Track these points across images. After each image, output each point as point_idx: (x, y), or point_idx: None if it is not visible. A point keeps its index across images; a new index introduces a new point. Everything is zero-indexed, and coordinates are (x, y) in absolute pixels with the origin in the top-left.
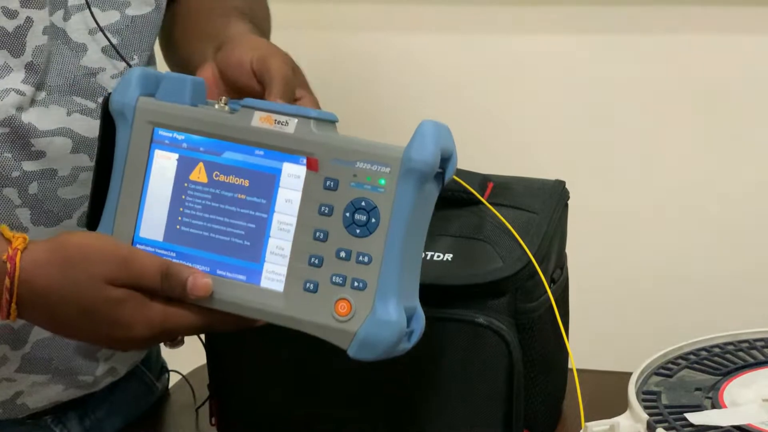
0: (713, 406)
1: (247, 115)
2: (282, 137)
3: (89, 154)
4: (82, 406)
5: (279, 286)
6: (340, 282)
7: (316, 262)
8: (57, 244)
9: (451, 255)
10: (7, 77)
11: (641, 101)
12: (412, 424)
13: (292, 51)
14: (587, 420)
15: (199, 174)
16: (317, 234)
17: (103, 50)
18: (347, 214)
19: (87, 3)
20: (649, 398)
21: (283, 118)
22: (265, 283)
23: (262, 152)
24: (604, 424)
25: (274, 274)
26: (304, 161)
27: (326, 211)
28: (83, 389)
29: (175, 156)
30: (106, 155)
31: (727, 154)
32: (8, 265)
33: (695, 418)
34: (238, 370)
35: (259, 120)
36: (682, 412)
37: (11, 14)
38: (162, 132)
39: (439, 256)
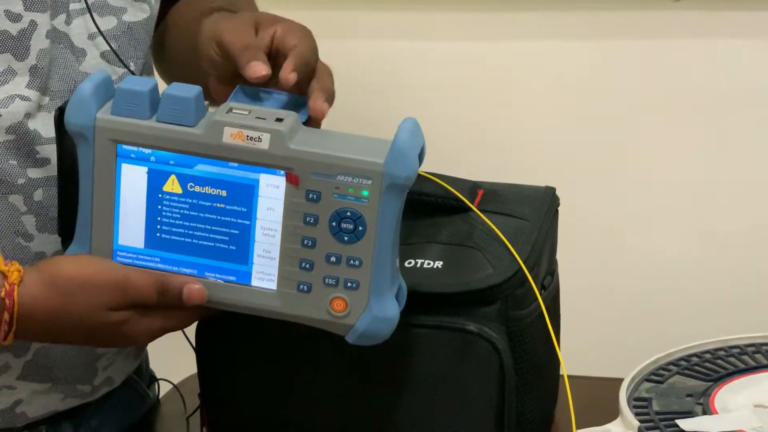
0: (704, 412)
1: (216, 131)
2: (256, 153)
3: None
4: (78, 416)
5: (271, 285)
6: (333, 283)
7: (307, 266)
8: (51, 276)
9: (441, 262)
10: (12, 81)
11: (633, 108)
12: None
13: None
14: (578, 427)
15: (172, 185)
16: (305, 241)
17: (102, 56)
18: (333, 224)
19: (88, 7)
20: (640, 405)
21: (255, 134)
22: (256, 282)
23: (236, 164)
24: (596, 430)
25: (264, 274)
26: (282, 173)
27: (311, 221)
28: (81, 398)
29: (144, 169)
30: (68, 165)
31: (717, 161)
32: (7, 301)
33: (686, 424)
34: (228, 380)
35: (230, 136)
36: (673, 419)
37: (15, 18)
38: (127, 147)
39: (429, 264)
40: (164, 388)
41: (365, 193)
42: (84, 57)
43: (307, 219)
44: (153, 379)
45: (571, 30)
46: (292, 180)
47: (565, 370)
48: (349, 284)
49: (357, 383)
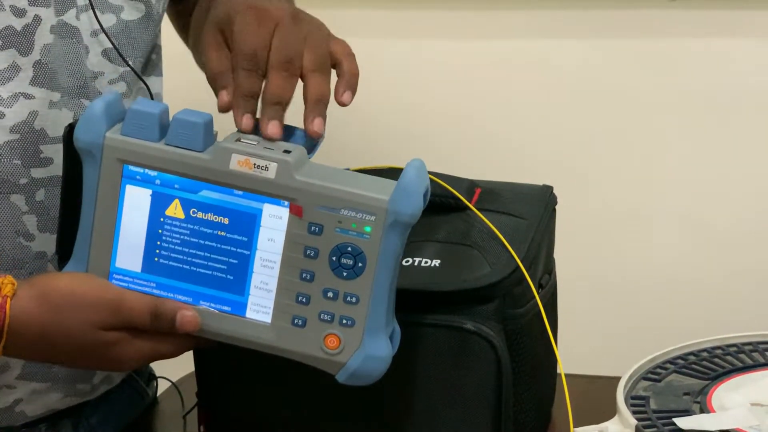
0: (702, 411)
1: (224, 158)
2: (262, 182)
3: None
4: (77, 414)
5: (266, 318)
6: (329, 319)
7: (304, 300)
8: (44, 290)
9: (438, 261)
10: (16, 78)
11: (630, 106)
12: (400, 431)
13: None
14: (576, 425)
15: (175, 210)
16: (303, 275)
17: (104, 53)
18: (333, 258)
19: (91, 4)
20: (637, 403)
21: (262, 162)
22: (251, 314)
23: (241, 192)
24: (593, 429)
25: (259, 307)
26: (286, 204)
27: (311, 254)
28: (80, 397)
29: (149, 192)
30: (72, 184)
31: (714, 160)
32: None
33: (684, 422)
34: (226, 378)
35: (237, 163)
36: (670, 417)
37: (20, 13)
38: (133, 168)
39: (426, 262)
40: (162, 386)
41: (368, 229)
42: (88, 54)
43: (308, 252)
44: (152, 377)
45: (569, 29)
46: (295, 211)
47: (562, 368)
48: (344, 321)
49: None
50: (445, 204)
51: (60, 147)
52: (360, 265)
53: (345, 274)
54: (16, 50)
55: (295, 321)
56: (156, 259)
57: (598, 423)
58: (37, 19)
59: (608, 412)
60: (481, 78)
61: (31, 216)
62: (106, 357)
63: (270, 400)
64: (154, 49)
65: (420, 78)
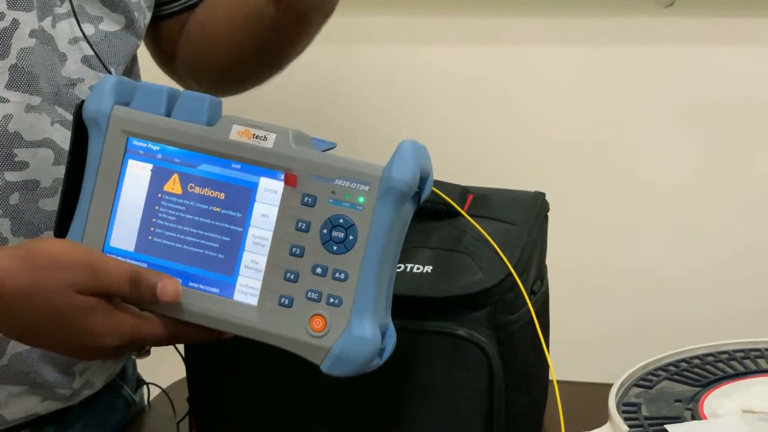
0: (693, 418)
1: (224, 128)
2: (260, 152)
3: None
4: (60, 420)
5: (253, 300)
6: (316, 298)
7: (292, 277)
8: (27, 251)
9: (431, 267)
10: None
11: (625, 114)
12: None
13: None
14: None
15: (173, 185)
16: (293, 249)
17: (83, 60)
18: (324, 231)
19: (74, 12)
20: (629, 410)
21: (261, 133)
22: (238, 296)
23: (238, 165)
24: None
25: (247, 288)
26: (282, 176)
27: (303, 227)
28: (61, 402)
29: (149, 167)
30: (78, 161)
31: (708, 168)
32: None
33: (675, 429)
34: (217, 384)
35: (237, 134)
36: (662, 424)
37: None
38: (136, 142)
39: (419, 269)
40: (154, 393)
41: (361, 199)
42: (65, 61)
43: (299, 224)
44: (140, 384)
45: (563, 36)
46: (290, 181)
47: (554, 375)
48: (331, 300)
49: (346, 388)
50: (438, 210)
51: (36, 151)
52: (351, 238)
53: (335, 248)
54: None
55: (282, 300)
56: (150, 237)
57: (589, 430)
58: (15, 23)
59: (600, 418)
60: (474, 84)
61: (4, 220)
62: (83, 328)
63: (262, 407)
64: (134, 58)
65: (413, 84)
